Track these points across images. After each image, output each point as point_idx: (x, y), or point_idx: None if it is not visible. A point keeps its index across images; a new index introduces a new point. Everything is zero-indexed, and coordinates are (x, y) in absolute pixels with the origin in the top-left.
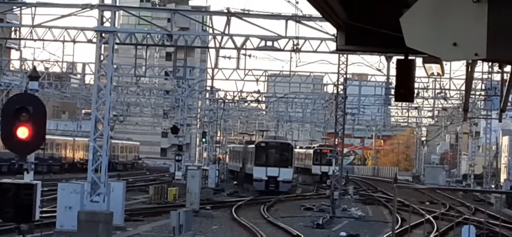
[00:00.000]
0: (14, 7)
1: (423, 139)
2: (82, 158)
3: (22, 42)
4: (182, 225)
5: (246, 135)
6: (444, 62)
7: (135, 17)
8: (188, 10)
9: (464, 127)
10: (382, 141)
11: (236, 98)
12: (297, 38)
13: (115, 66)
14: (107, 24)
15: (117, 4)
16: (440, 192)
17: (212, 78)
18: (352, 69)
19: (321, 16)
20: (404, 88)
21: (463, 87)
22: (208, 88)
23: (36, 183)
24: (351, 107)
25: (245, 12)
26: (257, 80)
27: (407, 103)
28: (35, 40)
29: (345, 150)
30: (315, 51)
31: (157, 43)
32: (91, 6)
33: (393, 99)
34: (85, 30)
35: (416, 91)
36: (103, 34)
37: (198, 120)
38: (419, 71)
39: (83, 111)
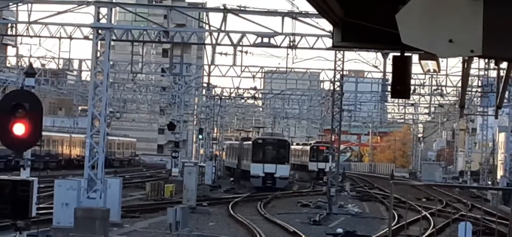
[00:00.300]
0: (11, 3)
1: (420, 135)
2: (78, 154)
3: (19, 38)
4: (179, 222)
5: (243, 131)
6: (440, 59)
7: (132, 13)
8: (184, 7)
9: (461, 123)
10: (378, 137)
11: (233, 95)
12: (293, 34)
13: (111, 62)
14: (103, 21)
15: (114, 0)
16: (436, 189)
17: (209, 75)
18: (348, 66)
19: (317, 12)
20: (401, 85)
21: (460, 84)
22: (205, 84)
23: (32, 179)
24: (347, 104)
25: (242, 8)
26: (253, 76)
27: (403, 100)
28: (31, 36)
29: (342, 147)
30: (312, 48)
31: (154, 40)
32: (88, 3)
33: (390, 96)
34: (81, 27)
35: (412, 88)
36: (100, 31)
37: (194, 117)
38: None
39: (80, 108)
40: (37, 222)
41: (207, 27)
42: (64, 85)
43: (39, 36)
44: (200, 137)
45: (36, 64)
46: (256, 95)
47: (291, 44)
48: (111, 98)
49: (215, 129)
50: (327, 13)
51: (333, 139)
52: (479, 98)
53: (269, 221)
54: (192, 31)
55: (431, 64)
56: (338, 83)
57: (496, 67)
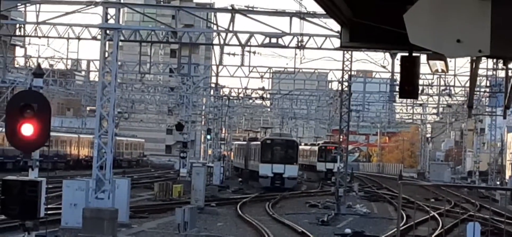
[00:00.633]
0: (19, 4)
1: (428, 135)
2: (87, 155)
3: (27, 39)
4: (187, 222)
5: (251, 131)
6: (448, 59)
7: (140, 14)
8: (192, 7)
9: (469, 123)
10: (387, 137)
11: (241, 95)
12: (301, 35)
13: (119, 63)
14: (111, 21)
15: (122, 1)
16: (445, 189)
17: (217, 75)
18: (356, 66)
19: (325, 13)
20: (409, 85)
21: (468, 84)
22: (213, 85)
23: (41, 180)
24: (355, 104)
25: (250, 9)
26: (261, 77)
27: (411, 100)
28: (39, 37)
29: (350, 147)
30: (320, 48)
31: (162, 40)
32: (96, 3)
33: (398, 96)
34: (89, 27)
35: (420, 88)
36: (108, 31)
37: (202, 117)
38: (424, 68)
39: (88, 108)
40: (45, 222)
41: (215, 28)
42: (72, 86)
43: (47, 37)
44: (208, 137)
45: (44, 65)
46: (264, 95)
47: (299, 44)
48: (119, 99)
49: (223, 129)
50: (335, 13)
51: (341, 139)
52: (487, 99)
53: (277, 222)
54: (200, 31)
55: (439, 64)
56: (346, 84)
57: (504, 67)
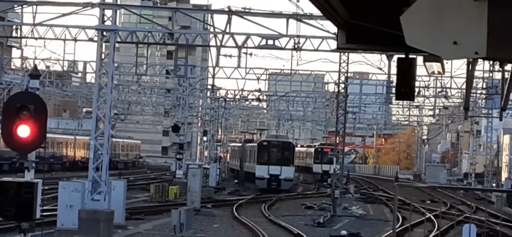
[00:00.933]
0: (16, 5)
1: (424, 137)
2: (83, 156)
3: (23, 40)
4: (183, 224)
5: (247, 133)
6: (444, 61)
7: (136, 15)
8: (189, 9)
9: (465, 125)
10: (383, 139)
11: (237, 97)
12: (298, 36)
13: (116, 64)
14: (108, 23)
15: (118, 2)
16: (441, 191)
17: (213, 77)
18: (353, 68)
19: (322, 14)
20: (405, 87)
21: (464, 86)
22: (209, 86)
23: (37, 181)
24: (352, 106)
25: (246, 10)
26: (258, 78)
27: (408, 102)
28: (36, 38)
29: (346, 149)
30: (316, 50)
31: (158, 42)
32: (92, 5)
33: (394, 98)
34: (86, 29)
35: (417, 90)
36: (104, 33)
37: (199, 119)
38: (420, 70)
39: (84, 109)
40: (41, 224)
41: (211, 29)
42: (68, 87)
43: (44, 38)
44: (205, 139)
45: (41, 66)
46: (261, 97)
47: (296, 46)
48: (116, 100)
49: (220, 130)
50: (332, 15)
51: (337, 141)
52: (483, 100)
53: (273, 223)
54: (196, 33)
55: (435, 66)
56: (342, 85)
57: (500, 69)
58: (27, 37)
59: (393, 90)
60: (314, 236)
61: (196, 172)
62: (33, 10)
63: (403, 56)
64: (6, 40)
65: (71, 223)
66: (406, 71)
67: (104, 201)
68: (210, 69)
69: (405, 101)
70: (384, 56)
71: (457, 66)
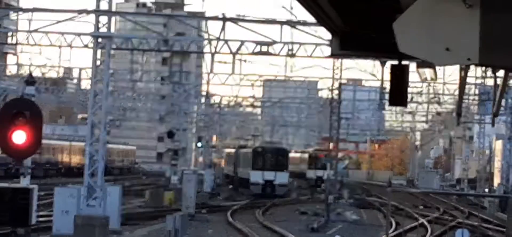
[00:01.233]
0: (11, 12)
1: (417, 143)
2: (78, 162)
3: (19, 47)
4: (178, 229)
5: (242, 139)
6: (437, 67)
7: (131, 22)
8: (183, 16)
9: (458, 131)
10: (376, 145)
11: (232, 103)
12: (292, 43)
13: (111, 71)
14: (103, 30)
15: (113, 9)
16: (434, 196)
17: (208, 83)
18: (346, 74)
19: (315, 21)
20: (398, 93)
21: (457, 92)
22: (204, 93)
23: (32, 187)
24: (345, 112)
25: (240, 17)
26: (252, 85)
27: (401, 108)
28: (32, 45)
29: (340, 155)
30: (310, 56)
31: (153, 49)
32: (88, 12)
33: (387, 104)
34: (81, 36)
35: (410, 96)
36: (100, 40)
37: (194, 125)
38: (413, 76)
39: (80, 116)
40: (37, 229)
41: (206, 36)
42: (64, 94)
43: (40, 45)
44: (199, 145)
45: (36, 73)
46: (255, 103)
47: (290, 52)
48: (111, 107)
49: (214, 137)
50: (326, 22)
51: (331, 147)
52: (476, 106)
53: (268, 229)
54: (191, 39)
55: (428, 73)
56: (336, 92)
57: (493, 75)
58: (22, 44)
59: (386, 96)
60: None
61: (191, 178)
62: (28, 17)
63: (396, 62)
64: (1, 47)
65: (67, 228)
66: (399, 77)
67: (100, 206)
68: (205, 76)
69: (398, 107)
70: (377, 63)
71: (450, 73)
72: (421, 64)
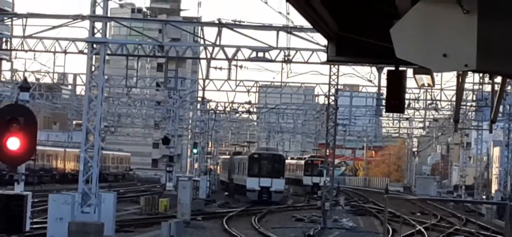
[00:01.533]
0: (5, 18)
1: (414, 149)
2: (73, 169)
3: (13, 53)
4: (173, 236)
5: (238, 145)
6: (434, 73)
7: (126, 28)
8: (179, 21)
9: (455, 137)
10: (373, 151)
11: (227, 109)
12: (288, 49)
13: (106, 77)
14: (98, 35)
15: (108, 15)
16: (431, 203)
17: (203, 89)
18: (343, 80)
19: (312, 27)
20: (395, 99)
21: (454, 98)
22: (199, 99)
23: (26, 194)
24: (342, 118)
25: (236, 23)
26: (248, 91)
27: (398, 114)
28: (26, 51)
29: (336, 161)
30: (306, 62)
31: (148, 54)
32: (82, 17)
33: (384, 110)
34: (76, 41)
35: (407, 102)
36: (94, 45)
37: (189, 131)
38: (410, 82)
39: (74, 122)
40: (31, 236)
41: (202, 42)
42: (58, 100)
43: (34, 51)
44: (195, 151)
45: (31, 79)
46: (251, 109)
47: (286, 58)
48: (106, 113)
49: (210, 143)
50: (322, 28)
51: (327, 153)
52: (473, 113)
53: (264, 236)
54: (187, 45)
55: (425, 79)
56: (332, 98)
57: (490, 81)
58: (17, 50)
59: (383, 102)
60: None
61: (186, 184)
62: (23, 23)
63: (393, 68)
64: None
65: (61, 235)
66: (396, 83)
67: (94, 213)
68: (200, 82)
69: (395, 114)
70: (374, 69)
71: (447, 79)
72: (418, 70)
